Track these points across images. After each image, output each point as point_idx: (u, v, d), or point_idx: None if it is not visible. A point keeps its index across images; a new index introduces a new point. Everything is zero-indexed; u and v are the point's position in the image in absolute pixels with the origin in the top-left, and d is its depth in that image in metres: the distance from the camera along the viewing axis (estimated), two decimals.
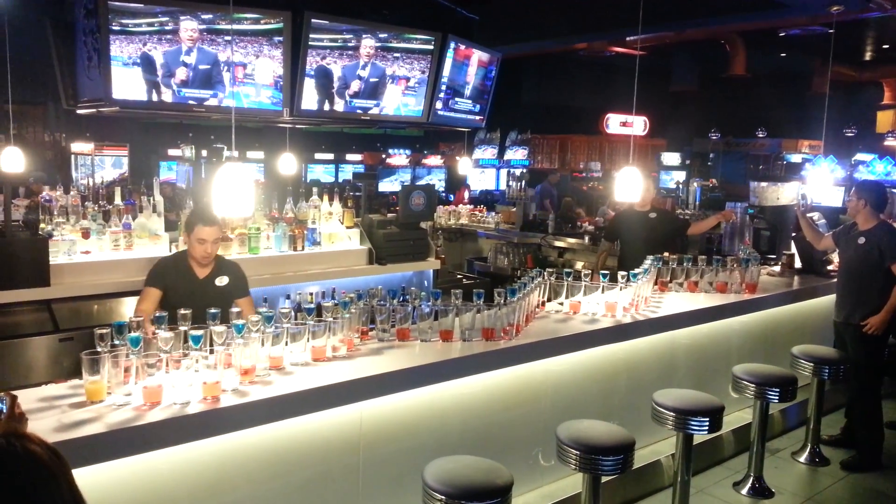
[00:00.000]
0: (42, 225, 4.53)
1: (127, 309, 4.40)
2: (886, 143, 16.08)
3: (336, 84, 5.62)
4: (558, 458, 3.08)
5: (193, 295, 3.58)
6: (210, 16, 4.87)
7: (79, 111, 5.32)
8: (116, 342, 2.53)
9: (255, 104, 5.28)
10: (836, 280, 4.94)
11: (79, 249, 4.43)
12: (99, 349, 2.47)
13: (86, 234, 4.52)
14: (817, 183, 7.58)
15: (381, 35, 5.73)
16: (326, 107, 5.65)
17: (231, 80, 5.04)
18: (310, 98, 5.50)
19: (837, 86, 15.22)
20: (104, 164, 12.96)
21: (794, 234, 5.95)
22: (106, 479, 2.33)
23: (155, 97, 4.85)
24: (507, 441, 3.57)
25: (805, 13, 7.92)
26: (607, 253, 6.42)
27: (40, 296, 4.13)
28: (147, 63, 4.73)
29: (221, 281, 3.85)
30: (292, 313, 3.04)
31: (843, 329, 4.73)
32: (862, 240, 4.55)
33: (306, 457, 2.87)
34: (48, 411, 2.41)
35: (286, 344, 2.91)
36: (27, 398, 2.50)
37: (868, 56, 15.62)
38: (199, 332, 2.57)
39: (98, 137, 12.82)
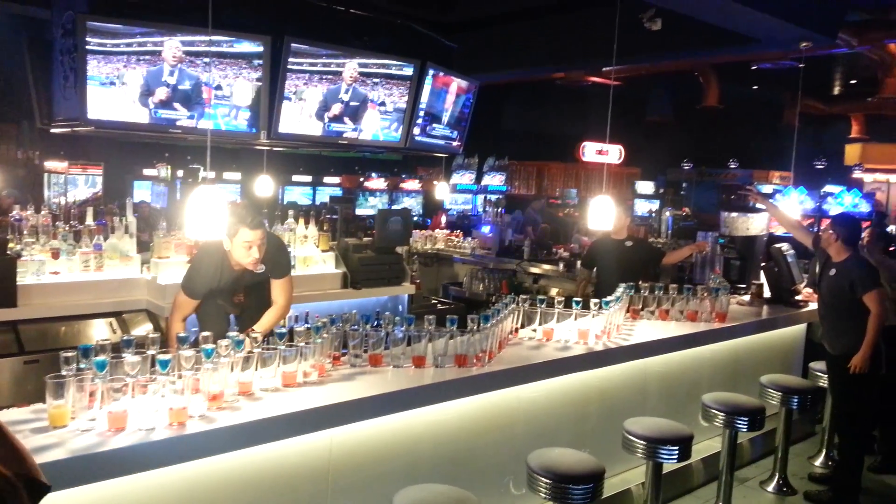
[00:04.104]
0: (11, 244, 4.46)
1: (95, 331, 4.33)
2: (854, 175, 16.47)
3: (316, 108, 5.65)
4: (529, 486, 3.07)
5: (234, 287, 3.74)
6: (190, 38, 4.89)
7: (53, 130, 5.29)
8: (82, 366, 2.48)
9: (232, 126, 5.28)
10: (805, 310, 4.99)
11: (48, 270, 4.36)
12: (64, 373, 2.43)
13: (55, 254, 4.46)
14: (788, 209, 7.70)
15: (362, 61, 5.78)
16: (304, 130, 5.67)
17: (209, 101, 5.05)
18: (287, 121, 5.52)
19: (808, 119, 15.61)
20: (77, 183, 12.82)
21: (762, 264, 6.05)
22: None
23: (131, 118, 4.83)
24: (479, 469, 3.56)
25: (776, 48, 8.12)
26: (587, 281, 6.39)
27: (6, 317, 4.06)
28: (125, 83, 4.72)
29: (259, 268, 3.71)
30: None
31: (828, 360, 4.66)
32: (833, 271, 4.50)
33: (274, 485, 2.83)
34: None
35: (256, 369, 2.88)
36: None
37: (837, 90, 16.09)
38: (167, 357, 2.54)
39: (72, 156, 12.70)
